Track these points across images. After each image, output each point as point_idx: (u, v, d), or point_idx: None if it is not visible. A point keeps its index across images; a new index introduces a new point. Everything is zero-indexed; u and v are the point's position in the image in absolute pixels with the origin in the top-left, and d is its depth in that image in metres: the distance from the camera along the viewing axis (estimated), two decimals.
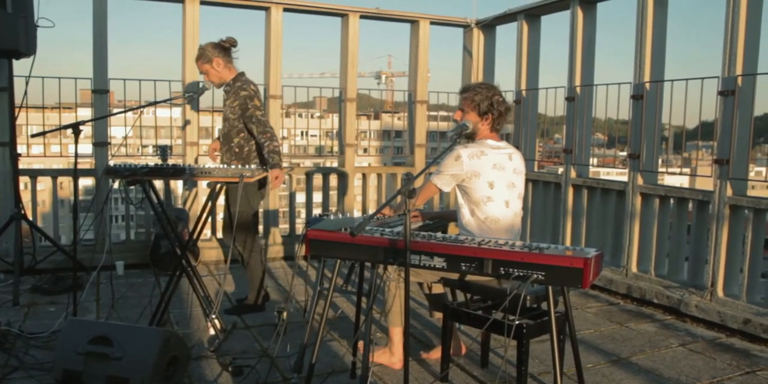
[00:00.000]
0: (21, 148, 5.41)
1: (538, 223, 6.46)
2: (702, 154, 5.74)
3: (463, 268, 2.76)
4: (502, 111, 3.44)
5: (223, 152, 4.58)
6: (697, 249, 4.92)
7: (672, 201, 5.13)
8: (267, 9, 6.38)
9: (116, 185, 4.06)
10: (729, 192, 4.55)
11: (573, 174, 5.93)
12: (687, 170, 6.07)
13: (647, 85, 5.17)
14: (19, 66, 5.20)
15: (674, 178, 8.13)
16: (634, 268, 5.30)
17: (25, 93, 5.23)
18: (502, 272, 2.67)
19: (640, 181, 5.26)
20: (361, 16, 6.76)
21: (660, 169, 5.37)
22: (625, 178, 5.45)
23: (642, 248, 5.29)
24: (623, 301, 5.24)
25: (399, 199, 3.26)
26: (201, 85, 4.44)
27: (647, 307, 5.04)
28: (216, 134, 5.16)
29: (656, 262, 5.19)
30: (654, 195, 5.18)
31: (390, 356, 3.60)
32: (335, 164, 7.13)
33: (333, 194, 7.02)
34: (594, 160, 6.33)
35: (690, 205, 5.01)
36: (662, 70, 5.22)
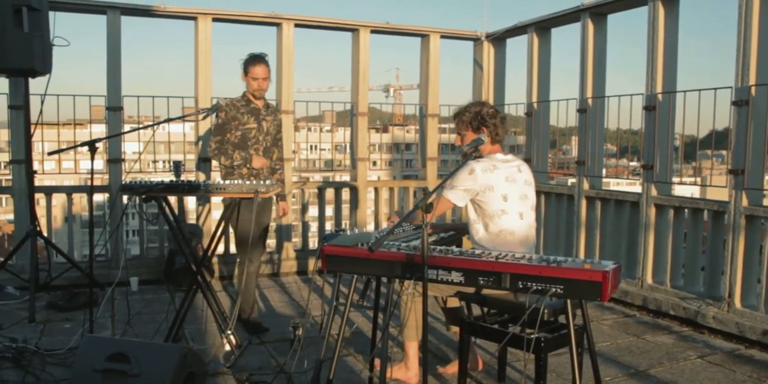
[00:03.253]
0: (35, 165, 5.45)
1: (551, 236, 6.44)
2: (714, 163, 5.70)
3: (481, 282, 2.75)
4: (497, 122, 3.46)
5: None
6: (713, 260, 4.89)
7: (686, 211, 5.10)
8: (278, 25, 6.43)
9: (131, 202, 4.08)
10: (744, 202, 4.52)
11: (586, 186, 5.91)
12: (698, 180, 6.04)
13: (660, 96, 5.16)
14: (35, 84, 5.25)
15: (684, 188, 8.09)
16: (649, 280, 5.27)
17: (41, 111, 5.28)
18: (521, 286, 2.66)
19: (654, 192, 5.24)
20: (372, 31, 6.80)
21: (674, 179, 5.35)
22: (638, 189, 5.43)
23: (657, 259, 5.26)
24: (639, 312, 5.20)
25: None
26: (215, 101, 4.47)
27: (664, 318, 5.00)
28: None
29: (672, 273, 5.15)
30: (668, 206, 5.16)
31: (406, 371, 3.59)
32: (345, 177, 7.14)
33: (345, 208, 7.02)
34: (605, 171, 6.31)
35: (705, 215, 4.98)
36: (674, 81, 5.21)
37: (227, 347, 4.01)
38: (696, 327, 4.73)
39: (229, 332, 3.99)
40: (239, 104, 4.58)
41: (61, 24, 5.15)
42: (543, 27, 6.53)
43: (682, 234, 5.18)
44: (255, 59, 4.53)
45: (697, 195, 6.79)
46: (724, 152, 4.82)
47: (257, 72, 4.50)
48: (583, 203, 5.93)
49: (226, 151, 4.51)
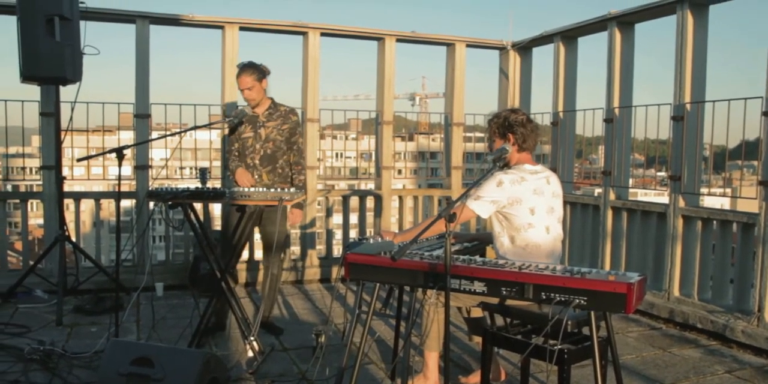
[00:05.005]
0: (64, 171, 5.54)
1: (576, 246, 6.38)
2: (745, 174, 5.61)
3: (504, 292, 2.73)
4: (525, 131, 3.37)
5: (264, 173, 4.63)
6: (743, 272, 4.81)
7: (715, 223, 5.03)
8: (305, 34, 6.48)
9: (157, 208, 4.13)
10: None
11: (612, 196, 5.86)
12: (728, 191, 5.95)
13: (688, 106, 5.11)
14: (65, 92, 5.35)
15: (714, 199, 7.97)
16: (676, 292, 5.20)
17: (71, 118, 5.37)
18: (544, 297, 2.65)
19: (681, 203, 5.17)
20: (398, 40, 6.82)
21: (703, 190, 5.28)
22: (665, 200, 5.37)
23: (684, 271, 5.18)
24: (665, 325, 5.13)
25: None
26: (240, 108, 4.50)
27: (691, 332, 4.93)
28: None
29: (699, 285, 5.08)
30: (696, 217, 5.09)
31: (425, 381, 3.57)
32: (370, 185, 7.15)
33: (369, 216, 7.03)
34: (631, 181, 6.24)
35: (734, 227, 4.90)
36: (703, 90, 5.15)
37: (250, 353, 4.03)
38: (724, 341, 4.65)
39: (252, 338, 4.01)
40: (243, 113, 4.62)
41: (90, 32, 5.24)
42: (569, 36, 6.50)
43: (710, 246, 5.10)
44: (238, 70, 4.55)
45: (727, 206, 6.68)
46: (755, 163, 4.74)
47: (239, 83, 4.53)
48: (609, 214, 5.87)
49: (227, 161, 4.69)
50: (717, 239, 5.04)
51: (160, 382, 3.02)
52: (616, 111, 5.77)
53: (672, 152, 5.27)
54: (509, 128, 3.38)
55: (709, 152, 5.59)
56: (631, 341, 4.71)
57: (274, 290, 4.74)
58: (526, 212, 3.27)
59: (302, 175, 4.78)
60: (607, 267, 5.84)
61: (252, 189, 3.92)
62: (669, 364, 4.21)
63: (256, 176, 4.62)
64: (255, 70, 4.51)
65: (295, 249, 6.78)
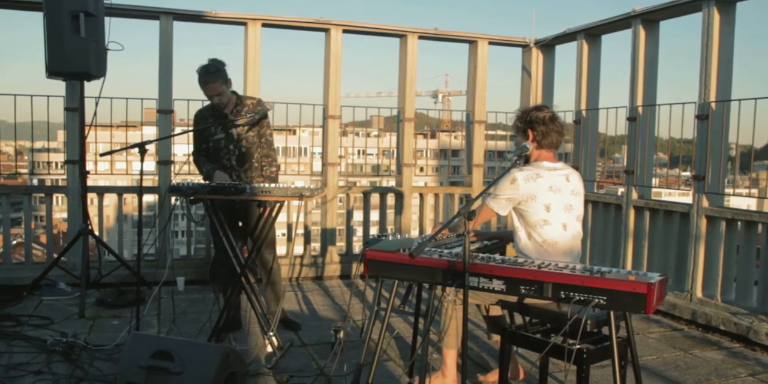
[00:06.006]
0: (89, 165, 5.60)
1: (597, 246, 6.33)
2: None
3: (523, 291, 2.72)
4: (546, 128, 3.33)
5: (242, 171, 4.49)
6: (767, 274, 4.74)
7: (740, 224, 4.95)
8: (327, 30, 6.49)
9: (179, 203, 4.16)
10: None
11: (634, 195, 5.80)
12: (754, 191, 5.86)
13: (713, 105, 5.04)
14: (90, 87, 5.41)
15: (741, 199, 7.86)
16: (699, 293, 5.13)
17: (95, 113, 5.44)
18: (563, 296, 2.63)
19: (705, 203, 5.11)
20: (420, 37, 6.80)
21: (726, 190, 5.20)
22: (688, 200, 5.31)
23: (707, 272, 5.12)
24: (687, 326, 5.07)
25: (457, 219, 3.24)
26: (262, 107, 4.46)
27: (713, 333, 4.87)
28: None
29: (723, 287, 5.01)
30: (720, 217, 5.02)
31: (443, 379, 3.56)
32: (392, 183, 7.15)
33: (390, 213, 7.03)
34: (656, 181, 6.17)
35: (759, 228, 4.83)
36: (729, 89, 5.08)
37: (269, 348, 4.05)
38: (747, 343, 4.58)
39: (271, 334, 4.03)
40: (207, 114, 4.51)
41: (114, 27, 5.29)
42: (593, 34, 6.44)
43: (734, 246, 5.03)
44: (199, 78, 4.32)
45: (754, 207, 6.58)
46: None
47: (205, 91, 4.32)
48: (632, 213, 5.82)
49: (198, 162, 4.52)
50: (741, 240, 4.97)
51: (180, 376, 3.05)
52: (640, 109, 5.71)
53: (696, 151, 5.21)
54: (529, 124, 3.36)
55: (735, 152, 5.52)
56: (652, 342, 4.66)
57: (278, 284, 4.73)
58: (540, 209, 3.24)
59: (273, 167, 4.54)
60: (629, 267, 5.79)
61: (272, 185, 3.93)
62: (690, 365, 4.17)
63: (235, 177, 4.46)
64: (219, 75, 4.30)
65: (316, 245, 6.81)
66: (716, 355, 4.41)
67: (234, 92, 4.51)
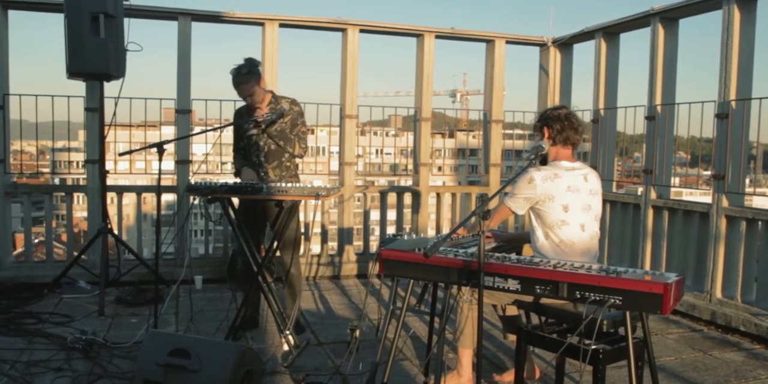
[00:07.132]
0: (108, 165, 5.66)
1: (615, 246, 6.28)
2: None
3: (538, 290, 2.71)
4: (561, 126, 3.33)
5: (270, 169, 4.53)
6: None
7: (760, 224, 4.90)
8: (344, 30, 6.50)
9: (197, 202, 4.19)
10: None
11: (653, 195, 5.75)
12: None
13: (733, 104, 4.98)
14: (109, 87, 5.46)
15: (764, 199, 7.76)
16: (718, 294, 5.08)
17: (114, 113, 5.49)
18: (578, 296, 2.62)
19: (725, 203, 5.05)
20: (437, 36, 6.79)
21: (748, 189, 5.14)
22: (708, 200, 5.25)
23: (727, 273, 5.06)
24: (707, 327, 5.02)
25: (473, 219, 3.23)
26: (279, 106, 4.49)
27: (733, 334, 4.81)
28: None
29: (743, 287, 4.95)
30: (740, 217, 4.96)
31: (458, 378, 3.56)
32: (410, 182, 7.15)
33: (407, 212, 7.03)
34: (676, 180, 6.11)
35: None
36: (749, 87, 5.02)
37: (285, 347, 4.08)
38: None
39: (287, 332, 4.05)
40: (243, 111, 4.59)
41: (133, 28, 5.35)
42: (611, 32, 6.40)
43: (755, 247, 4.97)
44: (232, 80, 4.37)
45: None
46: None
47: (239, 92, 4.39)
48: (650, 213, 5.77)
49: (234, 158, 4.65)
50: (762, 240, 4.91)
51: (197, 374, 3.08)
52: (659, 108, 5.67)
53: (716, 151, 5.15)
54: (545, 122, 3.37)
55: (757, 151, 5.45)
56: (671, 343, 4.62)
57: (296, 285, 4.67)
58: (558, 209, 3.23)
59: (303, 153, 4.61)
60: (647, 267, 5.74)
61: (289, 184, 3.95)
62: (709, 367, 4.13)
63: (263, 173, 4.51)
64: (251, 76, 4.34)
65: (333, 244, 6.83)
66: (736, 356, 4.36)
67: (270, 91, 4.59)
